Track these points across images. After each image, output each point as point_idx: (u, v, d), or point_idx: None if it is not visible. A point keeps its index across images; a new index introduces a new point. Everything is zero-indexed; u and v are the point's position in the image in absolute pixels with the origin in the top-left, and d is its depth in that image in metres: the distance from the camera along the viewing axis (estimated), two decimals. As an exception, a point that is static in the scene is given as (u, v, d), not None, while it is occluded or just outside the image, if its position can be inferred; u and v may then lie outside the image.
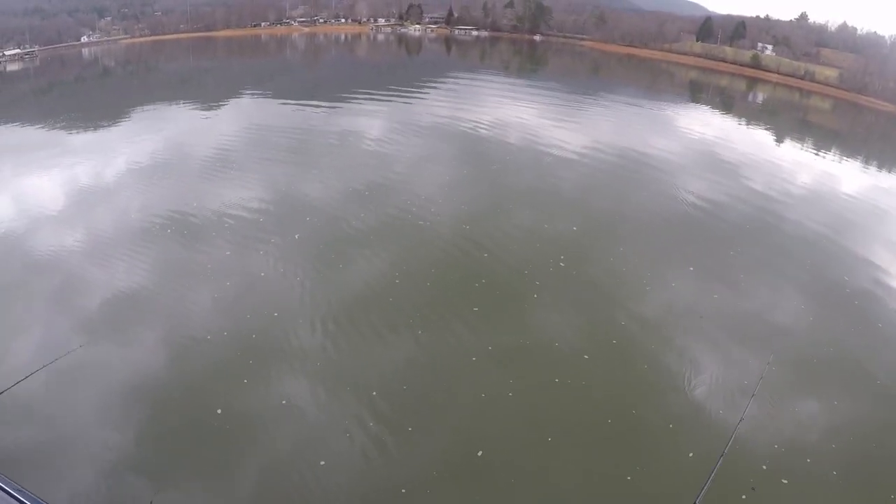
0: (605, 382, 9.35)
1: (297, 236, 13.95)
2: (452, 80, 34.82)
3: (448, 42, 63.68)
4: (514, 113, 25.82)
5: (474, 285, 11.93)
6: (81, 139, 24.94)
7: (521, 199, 15.95)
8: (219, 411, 8.66)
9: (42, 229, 14.83)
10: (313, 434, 8.45)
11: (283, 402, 8.88)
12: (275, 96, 30.74)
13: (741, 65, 47.59)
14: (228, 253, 13.26)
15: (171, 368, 9.60)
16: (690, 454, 7.93)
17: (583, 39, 59.97)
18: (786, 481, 7.64)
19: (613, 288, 11.82)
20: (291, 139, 22.64)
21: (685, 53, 49.95)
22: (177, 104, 31.33)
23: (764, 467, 7.74)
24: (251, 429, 8.43)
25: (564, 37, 63.04)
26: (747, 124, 29.62)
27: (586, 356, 9.88)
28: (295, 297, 11.62)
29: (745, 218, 15.71)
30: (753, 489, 6.15)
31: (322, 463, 7.87)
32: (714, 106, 34.28)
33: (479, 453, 8.09)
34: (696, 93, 39.66)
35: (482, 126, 23.43)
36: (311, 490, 7.59)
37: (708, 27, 58.17)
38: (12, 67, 51.78)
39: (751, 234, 14.78)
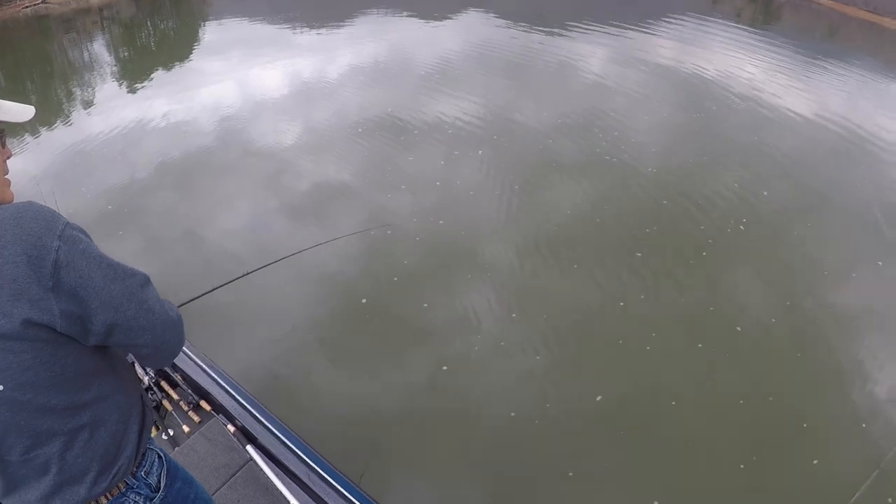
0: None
1: (503, 156, 14.00)
2: (680, 20, 33.42)
3: (682, -19, 61.59)
4: (739, 65, 24.52)
5: (690, 238, 11.58)
6: (307, 38, 25.71)
7: (732, 158, 15.19)
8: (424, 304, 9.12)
9: (264, 118, 15.52)
10: (517, 356, 8.52)
11: (467, 312, 9.10)
12: (499, 15, 30.49)
13: None
14: (437, 160, 13.49)
15: (372, 267, 9.99)
16: (840, 460, 7.46)
17: (821, -2, 56.74)
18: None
19: (803, 270, 11.07)
20: (511, 62, 22.41)
21: (934, 29, 46.30)
22: (401, 13, 31.64)
23: None
24: (461, 337, 8.72)
25: (804, -9, 59.86)
26: None
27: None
28: (491, 213, 11.73)
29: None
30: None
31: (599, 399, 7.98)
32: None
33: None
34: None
35: (706, 73, 22.43)
36: (508, 408, 7.70)
37: (966, 4, 53.64)
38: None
39: None
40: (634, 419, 7.78)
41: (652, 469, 7.13)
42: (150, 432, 2.54)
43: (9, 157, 2.27)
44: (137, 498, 2.36)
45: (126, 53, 26.54)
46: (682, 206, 12.54)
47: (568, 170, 13.61)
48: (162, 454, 2.61)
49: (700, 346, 8.97)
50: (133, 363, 4.06)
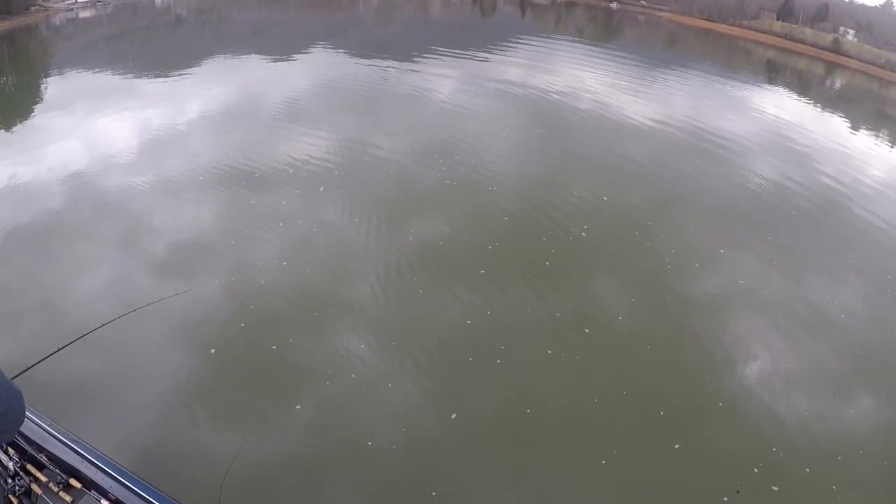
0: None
1: (363, 189, 14.02)
2: (525, 43, 34.44)
3: (523, 5, 62.71)
4: (586, 81, 25.54)
5: (543, 253, 11.80)
6: (153, 86, 25.20)
7: (587, 168, 15.88)
8: (275, 349, 8.97)
9: (113, 172, 15.09)
10: (368, 383, 8.52)
11: (343, 352, 8.99)
12: (346, 52, 30.76)
13: (820, 48, 46.12)
14: (295, 202, 13.39)
15: (235, 314, 9.73)
16: (730, 441, 7.85)
17: (660, 10, 58.59)
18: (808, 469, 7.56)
19: (677, 265, 11.67)
20: (362, 95, 22.62)
21: (764, 32, 48.50)
22: (248, 55, 31.48)
23: (807, 470, 7.59)
24: (313, 375, 8.59)
25: (642, 6, 61.77)
26: (822, 110, 28.84)
27: (678, 331, 9.98)
28: (359, 249, 11.72)
29: (811, 206, 15.35)
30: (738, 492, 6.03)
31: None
32: (790, 88, 33.39)
33: (528, 411, 8.14)
34: (772, 73, 38.69)
35: (553, 92, 23.22)
36: (363, 435, 7.68)
37: (790, 6, 56.53)
38: (85, 14, 52.38)
39: (815, 223, 14.50)
40: (490, 430, 7.91)
41: (513, 476, 7.27)
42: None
43: None
44: None
45: (-36, 113, 25.45)
46: (526, 218, 12.98)
47: (419, 198, 13.81)
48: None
49: (549, 352, 9.21)
50: None
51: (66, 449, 4.68)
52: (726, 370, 9.09)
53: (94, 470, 4.52)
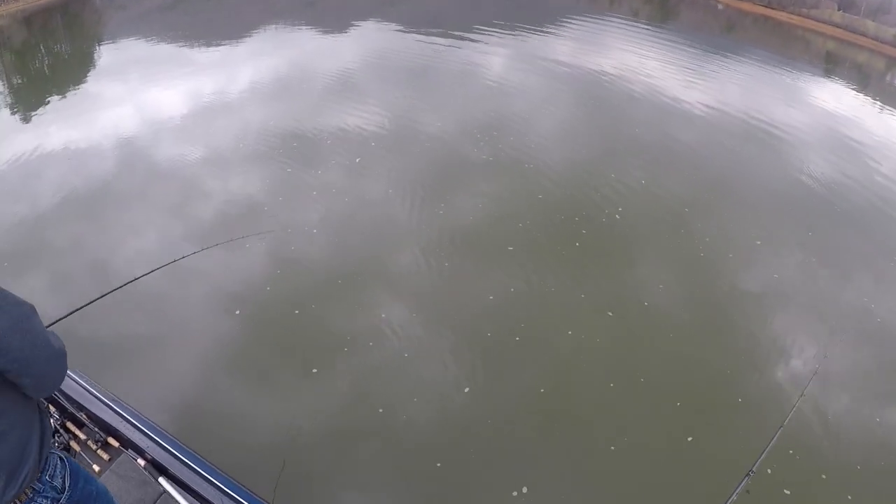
0: (679, 341, 9.23)
1: (410, 164, 14.08)
2: (579, 20, 34.08)
3: (578, -19, 62.34)
4: (638, 63, 25.14)
5: (573, 234, 11.77)
6: (205, 55, 25.36)
7: (635, 153, 15.61)
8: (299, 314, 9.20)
9: (165, 138, 15.27)
10: (407, 358, 8.55)
11: (383, 321, 9.09)
12: (397, 24, 30.61)
13: (882, 42, 45.04)
14: (341, 173, 13.49)
15: (274, 282, 9.89)
16: (752, 425, 7.76)
17: (718, -6, 57.79)
18: (824, 476, 7.44)
19: (711, 254, 11.51)
20: (410, 69, 22.63)
21: (823, 22, 47.22)
22: (299, 26, 31.48)
23: (823, 477, 7.49)
24: (385, 348, 8.70)
25: (700, -12, 60.89)
26: (882, 107, 28.15)
27: (701, 319, 9.87)
28: (402, 222, 11.79)
29: (863, 204, 14.90)
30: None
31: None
32: (848, 82, 32.58)
33: (542, 390, 8.18)
34: (830, 65, 37.73)
35: (604, 73, 22.91)
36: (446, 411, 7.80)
37: (852, -4, 55.54)
38: (137, -17, 52.73)
39: (865, 222, 14.05)
40: (504, 407, 7.94)
41: (522, 454, 7.30)
42: (51, 439, 2.70)
43: None
44: (45, 501, 2.55)
45: (20, 80, 25.72)
46: (562, 198, 12.99)
47: (457, 172, 13.90)
48: (63, 457, 2.75)
49: (570, 333, 9.21)
50: None
51: (105, 408, 4.78)
52: (750, 367, 8.94)
53: (132, 430, 4.60)
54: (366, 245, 11.00)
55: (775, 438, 4.60)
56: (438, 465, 7.03)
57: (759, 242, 11.96)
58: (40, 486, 2.54)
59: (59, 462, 2.67)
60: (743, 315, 9.96)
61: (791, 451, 7.46)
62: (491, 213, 12.13)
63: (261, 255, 10.52)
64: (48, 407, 4.70)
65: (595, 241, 11.54)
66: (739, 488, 4.15)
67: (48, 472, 2.59)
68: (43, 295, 9.39)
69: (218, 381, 8.03)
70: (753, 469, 4.42)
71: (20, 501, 2.46)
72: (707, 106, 19.91)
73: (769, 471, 7.08)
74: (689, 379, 8.57)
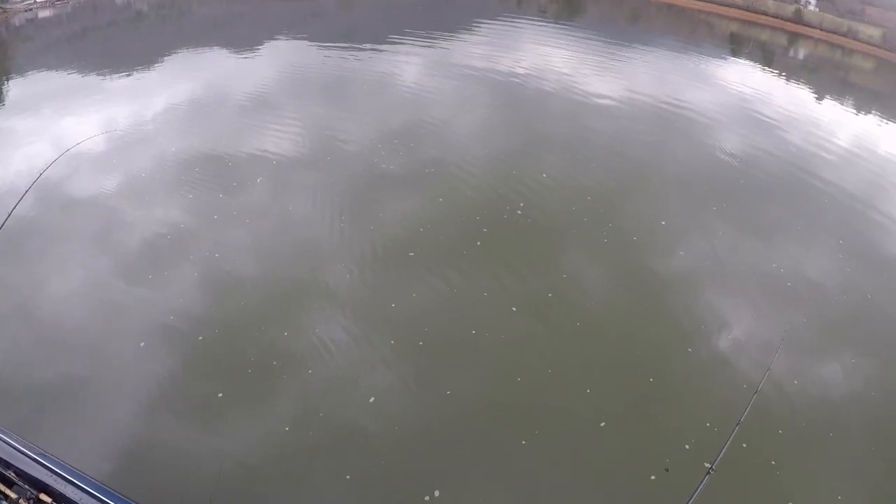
0: (626, 334, 9.38)
1: (332, 177, 14.16)
2: (488, 25, 34.34)
3: (485, -16, 62.59)
4: (550, 60, 25.56)
5: (475, 233, 11.95)
6: (118, 83, 24.99)
7: (554, 147, 15.91)
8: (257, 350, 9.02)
9: (82, 172, 15.04)
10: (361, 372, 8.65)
11: (317, 338, 9.16)
12: (310, 40, 30.54)
13: (783, 19, 46.27)
14: (265, 193, 13.55)
15: (209, 308, 9.88)
16: (708, 417, 7.90)
17: (624, -16, 58.42)
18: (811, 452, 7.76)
19: (640, 239, 11.77)
20: (327, 83, 22.62)
21: (726, 5, 48.47)
22: (211, 48, 31.22)
23: (780, 432, 7.83)
24: (291, 365, 8.71)
25: (603, -19, 61.37)
26: (787, 81, 29.02)
27: (608, 306, 10.00)
28: (329, 237, 11.89)
29: (779, 175, 15.53)
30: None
31: (372, 399, 8.04)
32: (753, 60, 33.48)
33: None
34: (735, 46, 38.69)
35: (518, 72, 23.26)
36: (363, 423, 7.82)
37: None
38: (44, 14, 51.63)
39: (784, 192, 14.61)
40: (486, 404, 8.13)
41: (517, 444, 7.43)
42: None
43: None
44: None
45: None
46: (494, 197, 13.20)
47: (378, 182, 14.03)
48: None
49: (525, 327, 9.47)
50: None
51: (35, 464, 4.69)
52: (656, 352, 9.14)
53: (64, 483, 4.54)
54: (266, 263, 11.08)
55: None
56: (348, 477, 7.10)
57: (664, 222, 12.28)
58: None
59: None
60: (679, 291, 10.33)
61: (708, 425, 7.71)
62: (440, 219, 12.31)
63: (193, 281, 10.52)
64: None
65: (496, 238, 11.70)
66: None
67: None
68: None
69: (162, 421, 7.93)
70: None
71: None
72: (617, 96, 20.36)
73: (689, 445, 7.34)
74: (595, 367, 8.72)
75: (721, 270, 10.89)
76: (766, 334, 9.27)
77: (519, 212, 12.36)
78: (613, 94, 20.39)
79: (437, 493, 6.79)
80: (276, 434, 7.59)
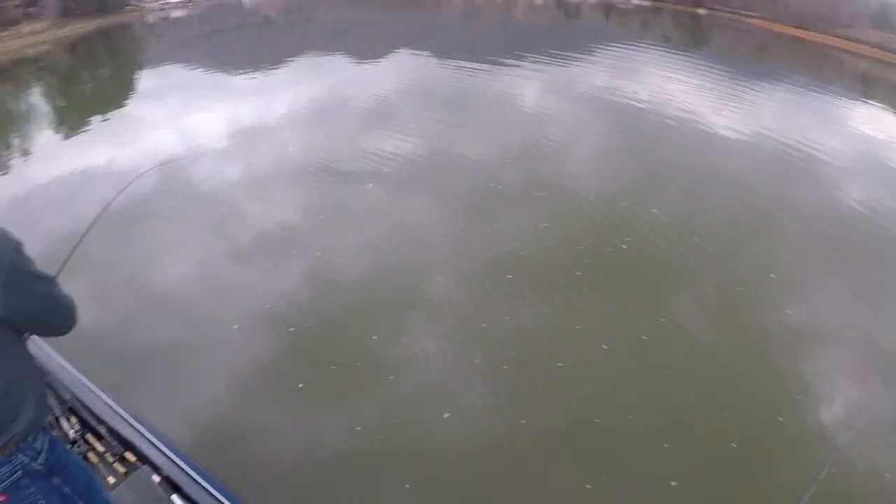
0: (716, 391, 8.76)
1: (448, 191, 14.10)
2: (610, 48, 34.05)
3: (607, 9, 61.84)
4: (671, 89, 25.07)
5: (616, 264, 11.61)
6: (244, 82, 25.79)
7: (669, 181, 15.38)
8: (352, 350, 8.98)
9: (207, 162, 15.55)
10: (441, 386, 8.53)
11: (404, 347, 9.07)
12: (431, 53, 30.87)
13: (919, 59, 44.50)
14: (373, 198, 13.66)
15: (310, 304, 9.97)
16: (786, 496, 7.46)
17: (749, 16, 57.04)
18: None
19: (748, 291, 11.01)
20: (446, 97, 22.81)
21: (857, 41, 46.73)
22: (335, 55, 31.89)
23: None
24: (374, 369, 8.65)
25: (730, 12, 59.87)
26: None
27: (702, 358, 9.35)
28: (429, 249, 11.79)
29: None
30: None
31: (446, 416, 7.91)
32: (886, 104, 32.22)
33: (597, 420, 7.94)
34: (866, 87, 37.26)
35: (638, 98, 22.89)
36: (434, 437, 7.65)
37: (886, 15, 54.32)
38: (176, 13, 53.79)
39: None
40: (554, 439, 7.73)
41: (581, 487, 7.04)
42: (46, 415, 3.12)
43: None
44: (24, 458, 2.87)
45: (64, 103, 26.30)
46: (607, 226, 12.79)
47: (490, 200, 13.81)
48: (45, 426, 3.09)
49: (614, 366, 9.00)
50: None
51: (124, 423, 4.91)
52: (795, 405, 8.51)
53: (149, 446, 4.72)
54: (365, 266, 11.09)
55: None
56: (407, 486, 6.96)
57: (773, 275, 11.43)
58: (24, 445, 2.85)
59: (41, 430, 3.00)
60: (786, 354, 9.52)
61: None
62: (544, 241, 12.09)
63: (294, 275, 10.74)
64: (69, 418, 4.90)
65: (597, 270, 11.30)
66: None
67: (33, 438, 2.91)
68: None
69: (244, 402, 8.05)
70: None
71: (3, 453, 2.78)
72: (740, 133, 19.75)
73: None
74: (677, 422, 8.18)
75: (831, 337, 10.08)
76: (868, 418, 8.69)
77: (624, 246, 11.96)
78: (736, 130, 19.77)
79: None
80: (347, 431, 7.57)
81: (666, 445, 7.58)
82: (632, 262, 11.63)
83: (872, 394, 8.96)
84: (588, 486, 6.99)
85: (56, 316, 2.93)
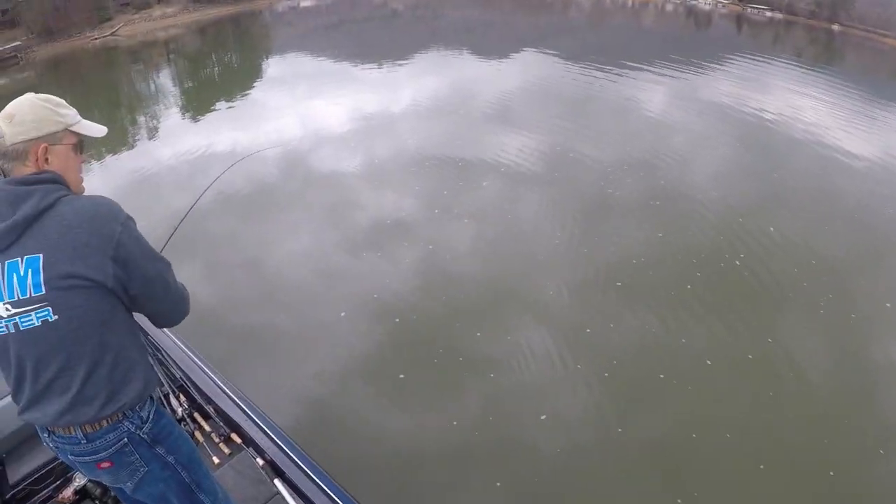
0: (819, 416, 8.45)
1: (556, 193, 14.19)
2: (739, 59, 33.23)
3: (739, 20, 60.22)
4: (801, 106, 24.33)
5: (728, 280, 11.40)
6: (368, 73, 26.28)
7: (790, 201, 14.85)
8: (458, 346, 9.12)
9: (327, 149, 15.94)
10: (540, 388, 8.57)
11: (506, 346, 9.17)
12: (557, 56, 30.73)
13: None
14: (488, 196, 13.85)
15: (411, 294, 10.22)
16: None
17: (885, 36, 54.89)
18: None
19: (860, 318, 10.55)
20: (570, 100, 22.80)
21: None
22: (460, 52, 32.07)
23: None
24: (475, 365, 8.75)
25: (866, 30, 57.67)
26: None
27: (808, 382, 9.08)
28: (540, 250, 11.80)
29: None
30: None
31: (542, 417, 7.95)
32: None
33: (694, 435, 7.88)
34: None
35: (765, 113, 22.30)
36: (528, 438, 7.70)
37: None
38: (305, 3, 54.92)
39: None
40: (650, 452, 7.71)
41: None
42: (154, 386, 3.20)
43: (83, 162, 3.00)
44: (130, 426, 2.97)
45: (191, 84, 27.29)
46: (722, 244, 12.49)
47: (606, 208, 13.75)
48: (154, 397, 3.21)
49: (724, 385, 8.90)
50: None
51: (232, 405, 5.09)
52: (886, 441, 8.09)
53: (255, 429, 4.85)
54: (474, 263, 11.30)
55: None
56: (498, 484, 7.05)
57: (889, 304, 10.91)
58: (131, 413, 2.98)
59: (149, 399, 3.12)
60: (859, 383, 9.18)
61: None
62: (661, 253, 11.99)
63: (404, 267, 11.00)
64: (179, 396, 5.24)
65: (708, 285, 11.12)
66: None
67: (141, 406, 3.04)
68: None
69: (346, 389, 8.32)
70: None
71: (111, 420, 2.89)
72: (871, 157, 18.98)
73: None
74: (776, 444, 7.94)
75: None
76: None
77: (737, 262, 11.72)
78: (866, 154, 18.97)
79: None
80: (443, 426, 7.71)
81: (762, 467, 7.47)
82: (743, 279, 11.39)
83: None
84: (679, 501, 6.95)
85: (164, 300, 2.99)
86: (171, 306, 3.06)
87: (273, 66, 29.73)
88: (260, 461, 4.61)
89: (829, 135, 20.72)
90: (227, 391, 5.15)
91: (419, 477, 7.11)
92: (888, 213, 15.02)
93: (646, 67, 28.52)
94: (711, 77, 28.97)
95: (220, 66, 31.49)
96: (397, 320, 9.50)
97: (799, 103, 24.97)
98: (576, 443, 7.72)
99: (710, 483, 7.34)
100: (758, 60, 34.62)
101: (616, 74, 27.15)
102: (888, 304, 11.07)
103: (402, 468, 7.14)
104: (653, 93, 24.49)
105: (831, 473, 7.54)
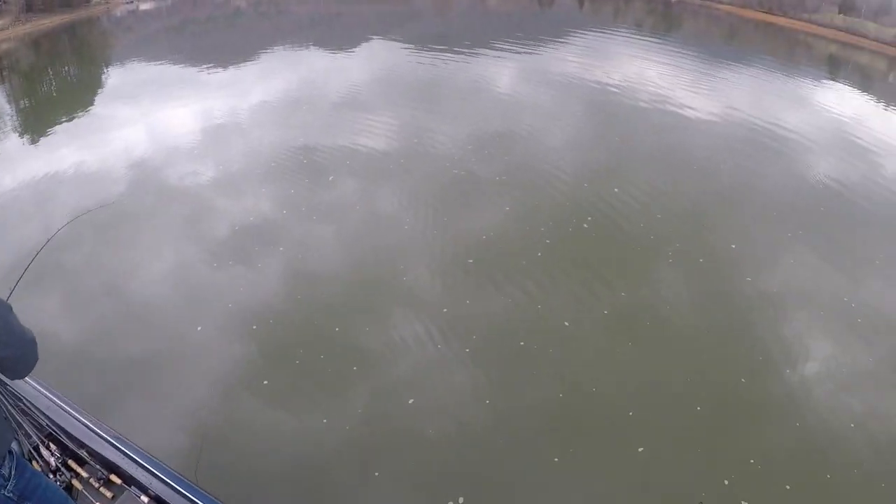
0: (673, 359, 8.88)
1: (420, 178, 14.24)
2: (583, 35, 34.22)
3: (580, -3, 62.16)
4: (643, 74, 25.25)
5: (588, 245, 11.77)
6: (214, 76, 25.67)
7: (643, 163, 15.52)
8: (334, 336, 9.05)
9: (176, 159, 15.49)
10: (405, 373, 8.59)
11: (364, 337, 9.13)
12: (404, 43, 30.90)
13: (883, 42, 44.76)
14: (353, 189, 13.67)
15: (265, 299, 9.98)
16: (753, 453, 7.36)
17: (720, 3, 57.18)
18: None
19: (707, 262, 11.22)
20: (420, 86, 22.98)
21: (825, 25, 47.12)
22: (307, 47, 31.88)
23: (828, 476, 7.20)
24: (336, 361, 8.67)
25: (702, -1, 60.42)
26: (885, 107, 28.14)
27: (662, 329, 9.51)
28: (404, 239, 11.85)
29: (880, 205, 14.60)
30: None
31: (411, 401, 8.02)
32: (852, 84, 32.52)
33: (560, 395, 8.11)
34: (833, 68, 37.70)
35: (611, 85, 23.02)
36: (403, 424, 7.73)
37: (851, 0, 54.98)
38: (145, 6, 53.39)
39: (886, 223, 13.72)
40: (529, 416, 7.88)
41: (553, 461, 7.17)
42: (10, 440, 3.09)
43: None
44: None
45: (28, 103, 25.99)
46: (584, 209, 12.87)
47: (465, 186, 13.93)
48: (12, 450, 3.09)
49: (594, 344, 9.19)
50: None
51: (107, 445, 4.81)
52: (767, 372, 8.68)
53: (134, 466, 4.63)
54: (325, 260, 11.15)
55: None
56: (376, 474, 7.04)
57: (734, 246, 11.73)
58: None
59: (7, 454, 2.98)
60: (759, 320, 9.75)
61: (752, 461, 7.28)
62: (513, 226, 12.22)
63: (257, 272, 10.73)
64: (49, 445, 4.83)
65: (558, 250, 11.44)
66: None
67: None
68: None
69: (220, 406, 8.01)
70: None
71: None
72: (710, 114, 19.93)
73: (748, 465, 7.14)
74: (640, 391, 8.27)
75: (787, 301, 10.31)
76: (824, 372, 8.84)
77: (585, 225, 12.14)
78: (706, 111, 19.96)
79: (461, 501, 6.67)
80: (313, 425, 7.65)
81: (631, 413, 7.73)
82: (592, 240, 11.85)
83: (832, 351, 9.22)
84: (556, 459, 7.12)
85: (8, 345, 2.76)
86: (17, 351, 2.82)
87: (114, 76, 28.64)
88: (145, 499, 4.44)
89: (672, 96, 21.59)
90: (100, 432, 4.91)
91: (290, 473, 6.98)
92: (729, 162, 15.85)
93: (493, 47, 28.97)
94: (556, 53, 29.63)
95: (58, 81, 30.23)
96: (254, 327, 9.31)
97: (641, 71, 25.86)
98: (445, 421, 7.77)
99: (584, 437, 7.56)
100: (601, 34, 35.64)
101: (463, 56, 27.49)
102: (733, 246, 11.68)
103: (274, 467, 7.00)
104: (500, 71, 24.93)
105: (698, 408, 7.89)
